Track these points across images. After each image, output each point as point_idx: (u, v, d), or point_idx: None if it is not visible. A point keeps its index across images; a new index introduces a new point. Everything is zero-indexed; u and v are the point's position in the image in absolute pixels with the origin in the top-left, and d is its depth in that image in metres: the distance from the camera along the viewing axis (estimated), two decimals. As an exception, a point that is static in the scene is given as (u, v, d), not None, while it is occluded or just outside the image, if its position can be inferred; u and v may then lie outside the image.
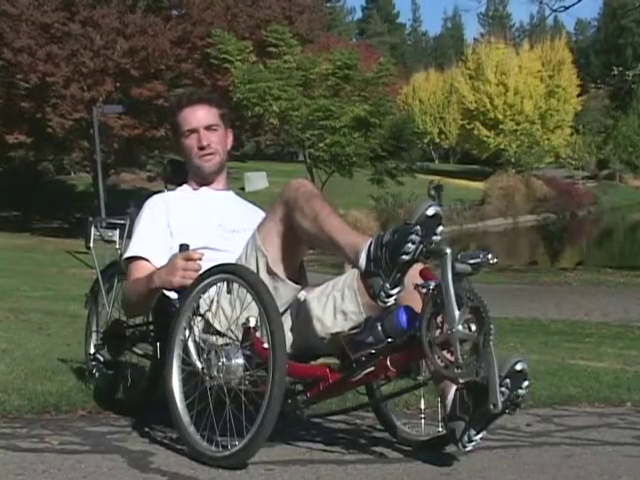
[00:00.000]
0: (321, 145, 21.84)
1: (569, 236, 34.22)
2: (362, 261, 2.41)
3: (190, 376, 2.58)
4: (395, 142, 22.99)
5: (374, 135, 22.33)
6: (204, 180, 3.00)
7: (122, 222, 3.34)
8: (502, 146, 48.03)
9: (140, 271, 2.82)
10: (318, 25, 28.08)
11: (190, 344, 2.57)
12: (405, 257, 2.34)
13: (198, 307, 2.60)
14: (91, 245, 3.45)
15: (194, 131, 2.94)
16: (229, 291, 2.53)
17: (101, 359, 3.30)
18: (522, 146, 47.86)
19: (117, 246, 3.34)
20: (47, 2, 21.93)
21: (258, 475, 2.37)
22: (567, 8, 18.90)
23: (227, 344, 2.52)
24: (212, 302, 2.59)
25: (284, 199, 2.59)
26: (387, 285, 2.36)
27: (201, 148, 2.94)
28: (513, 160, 47.97)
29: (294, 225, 2.55)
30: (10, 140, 22.94)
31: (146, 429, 2.87)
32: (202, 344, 2.56)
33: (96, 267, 3.42)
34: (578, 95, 50.81)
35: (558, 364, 4.98)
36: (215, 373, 2.47)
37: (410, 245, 2.33)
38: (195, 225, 2.87)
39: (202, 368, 2.52)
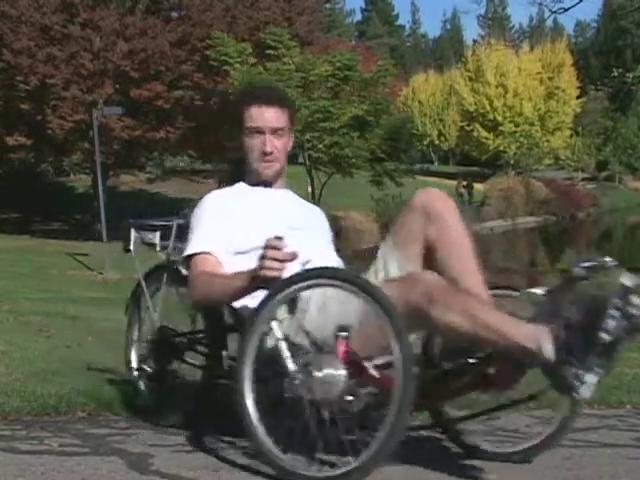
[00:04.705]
0: (320, 147, 21.83)
1: (569, 238, 34.28)
2: (549, 351, 2.13)
3: (270, 385, 2.43)
4: (394, 143, 23.00)
5: (373, 136, 22.33)
6: (261, 182, 2.88)
7: (164, 224, 3.24)
8: (501, 148, 48.09)
9: (208, 265, 2.66)
10: (318, 27, 28.07)
11: (278, 349, 2.38)
12: (606, 336, 2.08)
13: (293, 309, 2.44)
14: (131, 248, 3.27)
15: (260, 132, 2.79)
16: (324, 299, 2.38)
17: (147, 370, 3.13)
18: (522, 148, 47.93)
19: (157, 249, 3.21)
20: (47, 4, 21.93)
21: (258, 477, 2.37)
22: (566, 10, 18.94)
23: (318, 353, 2.36)
24: (305, 306, 2.44)
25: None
26: (581, 372, 2.11)
27: (264, 153, 2.79)
28: (513, 162, 48.04)
29: (430, 323, 2.29)
30: (10, 142, 22.93)
31: (146, 431, 2.87)
32: (292, 351, 2.38)
33: (139, 271, 3.27)
34: (578, 97, 50.89)
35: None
36: (306, 383, 2.29)
37: (610, 322, 2.07)
38: (257, 222, 2.74)
39: (291, 377, 2.33)
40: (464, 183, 37.91)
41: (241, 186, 2.89)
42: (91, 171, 23.71)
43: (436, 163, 57.81)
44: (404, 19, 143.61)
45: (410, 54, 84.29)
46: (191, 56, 23.24)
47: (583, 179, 50.85)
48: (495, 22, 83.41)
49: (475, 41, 69.94)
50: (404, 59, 73.70)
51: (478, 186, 39.84)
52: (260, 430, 2.35)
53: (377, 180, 23.64)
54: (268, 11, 24.28)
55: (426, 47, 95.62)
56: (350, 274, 2.36)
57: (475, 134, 48.65)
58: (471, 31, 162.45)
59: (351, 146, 21.58)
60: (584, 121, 52.61)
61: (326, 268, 2.43)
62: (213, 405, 2.92)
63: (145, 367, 3.14)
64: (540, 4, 19.99)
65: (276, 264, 2.36)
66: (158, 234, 3.20)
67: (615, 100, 53.47)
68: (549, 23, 63.83)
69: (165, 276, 3.13)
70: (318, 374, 2.27)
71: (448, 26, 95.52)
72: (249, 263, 2.51)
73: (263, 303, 2.38)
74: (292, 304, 2.43)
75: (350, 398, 2.27)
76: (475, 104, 48.87)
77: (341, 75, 21.99)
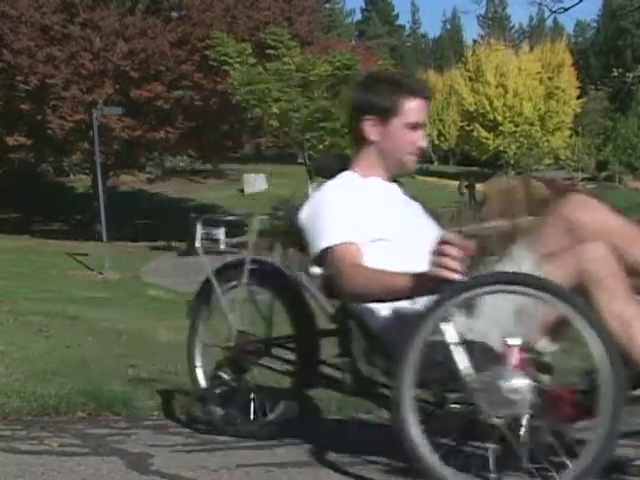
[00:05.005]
0: (320, 147, 21.85)
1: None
2: None
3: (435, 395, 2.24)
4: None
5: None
6: (395, 174, 2.71)
7: (231, 219, 3.08)
8: (501, 148, 48.12)
9: (353, 255, 2.45)
10: (318, 27, 28.11)
11: (448, 356, 2.16)
12: None
13: (467, 313, 2.23)
14: (197, 244, 3.01)
15: (418, 127, 2.66)
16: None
17: (225, 377, 2.85)
18: (521, 148, 47.95)
19: (222, 246, 3.08)
20: (47, 4, 21.95)
21: (258, 477, 2.37)
22: (566, 9, 18.96)
23: (493, 362, 2.14)
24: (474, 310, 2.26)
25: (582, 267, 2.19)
26: None
27: (419, 148, 2.66)
28: (512, 162, 48.05)
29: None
30: (10, 142, 22.97)
31: (146, 431, 2.87)
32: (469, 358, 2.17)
33: (207, 268, 2.95)
34: (577, 97, 50.91)
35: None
36: (487, 395, 2.09)
37: None
38: (383, 214, 2.58)
39: (468, 387, 2.12)
40: (466, 183, 37.94)
41: (351, 176, 2.69)
42: (91, 171, 23.73)
43: (436, 163, 57.82)
44: (404, 19, 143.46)
45: (410, 54, 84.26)
46: (191, 56, 23.26)
47: (583, 179, 50.80)
48: (495, 22, 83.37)
49: (475, 41, 69.96)
50: (404, 59, 73.70)
51: (477, 186, 39.89)
52: (423, 445, 2.14)
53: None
54: (268, 11, 24.31)
55: (426, 47, 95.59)
56: (546, 281, 2.13)
57: (475, 134, 48.67)
58: (471, 31, 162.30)
59: (352, 146, 21.59)
60: (584, 121, 52.60)
61: (516, 273, 2.20)
62: (305, 414, 2.81)
63: (222, 374, 2.85)
64: (540, 4, 20.02)
65: (454, 263, 2.13)
66: (223, 230, 3.01)
67: (615, 100, 53.47)
68: (549, 23, 63.74)
69: (246, 274, 2.84)
70: (502, 385, 2.07)
71: (448, 26, 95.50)
72: (378, 255, 2.43)
73: (436, 304, 2.15)
74: (467, 308, 2.21)
75: (531, 411, 2.08)
76: (475, 104, 48.90)
77: (341, 75, 21.99)
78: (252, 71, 21.40)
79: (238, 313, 2.87)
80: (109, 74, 22.59)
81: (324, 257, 2.50)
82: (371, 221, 2.52)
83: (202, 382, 2.95)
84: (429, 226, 2.70)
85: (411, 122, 2.63)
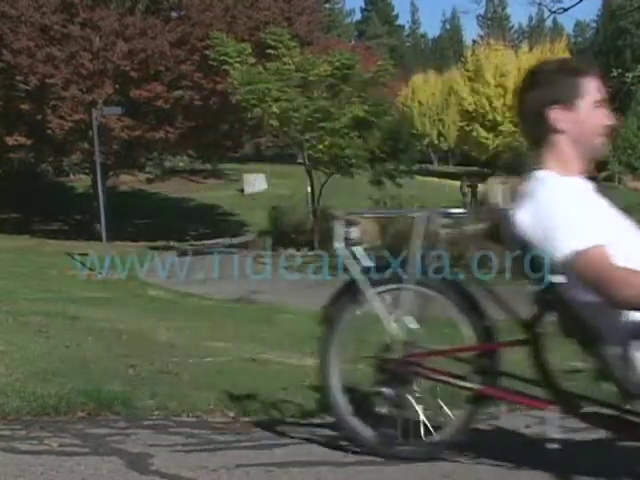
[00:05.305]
0: (320, 147, 21.85)
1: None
2: None
3: None
4: (393, 143, 23.00)
5: (372, 137, 22.33)
6: (585, 163, 2.59)
7: (374, 215, 2.87)
8: (501, 148, 48.13)
9: (613, 259, 2.33)
10: (317, 27, 28.11)
11: None
12: None
13: None
14: (338, 245, 2.72)
15: (602, 105, 2.54)
16: None
17: (391, 395, 2.58)
18: (521, 148, 47.96)
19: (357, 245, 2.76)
20: (47, 4, 21.94)
21: (258, 477, 2.36)
22: (566, 10, 18.92)
23: None
24: None
25: None
26: None
27: (607, 127, 2.55)
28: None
29: None
30: (10, 142, 22.96)
31: (145, 431, 2.86)
32: None
33: (351, 269, 2.69)
34: (577, 97, 50.95)
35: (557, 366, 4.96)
36: None
37: None
38: (603, 218, 2.47)
39: None
40: (468, 183, 38.01)
41: (551, 175, 2.52)
42: (91, 171, 23.72)
43: (435, 163, 57.81)
44: (404, 19, 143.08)
45: (410, 54, 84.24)
46: (191, 56, 23.26)
47: (583, 179, 50.80)
48: (495, 22, 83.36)
49: (475, 41, 69.94)
50: (404, 59, 73.65)
51: (480, 186, 39.87)
52: None
53: (377, 180, 23.64)
54: (268, 11, 24.32)
55: (426, 47, 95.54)
56: None
57: (474, 134, 48.67)
58: (471, 31, 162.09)
59: (351, 147, 21.60)
60: (584, 121, 52.57)
61: None
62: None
63: (381, 390, 2.59)
64: (540, 4, 19.96)
65: None
66: (356, 229, 2.73)
67: (615, 100, 53.44)
68: (548, 23, 63.71)
69: (417, 277, 2.61)
70: None
71: (448, 26, 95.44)
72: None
73: None
74: None
75: None
76: (475, 104, 48.91)
77: (340, 75, 21.98)
78: (252, 71, 21.38)
79: (395, 320, 2.61)
80: (109, 74, 22.59)
81: (572, 263, 2.34)
82: (597, 223, 2.40)
83: (340, 398, 2.67)
84: (633, 227, 2.60)
85: (596, 99, 2.52)
